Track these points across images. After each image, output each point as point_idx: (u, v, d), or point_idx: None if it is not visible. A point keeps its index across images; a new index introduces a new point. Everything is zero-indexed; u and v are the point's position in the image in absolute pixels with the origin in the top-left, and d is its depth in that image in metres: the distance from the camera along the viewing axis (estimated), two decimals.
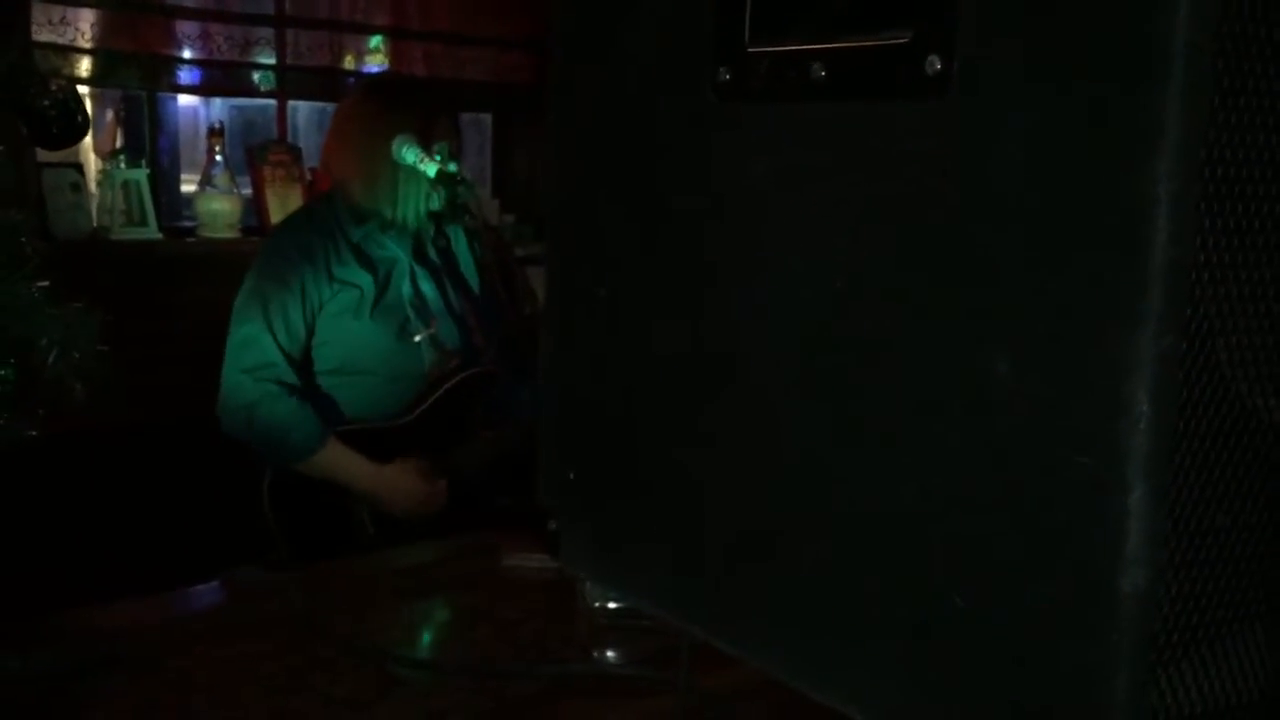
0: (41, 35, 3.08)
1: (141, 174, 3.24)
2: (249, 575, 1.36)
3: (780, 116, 0.65)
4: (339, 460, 2.19)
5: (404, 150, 2.24)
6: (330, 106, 3.36)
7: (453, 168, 2.20)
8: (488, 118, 4.36)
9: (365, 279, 2.26)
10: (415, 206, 2.27)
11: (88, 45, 3.19)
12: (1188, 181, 0.47)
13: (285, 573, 1.41)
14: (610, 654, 1.22)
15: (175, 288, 3.08)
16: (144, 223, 3.24)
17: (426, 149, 2.20)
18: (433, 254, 2.39)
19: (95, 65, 3.19)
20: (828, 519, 0.61)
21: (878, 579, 0.59)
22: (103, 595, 1.36)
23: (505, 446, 2.33)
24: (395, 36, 3.99)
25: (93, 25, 3.19)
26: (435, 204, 2.28)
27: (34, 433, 1.07)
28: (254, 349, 2.18)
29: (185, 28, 3.48)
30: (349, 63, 3.96)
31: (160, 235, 3.28)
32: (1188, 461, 0.50)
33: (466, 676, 1.18)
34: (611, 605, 1.25)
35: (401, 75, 3.74)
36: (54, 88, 1.13)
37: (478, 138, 4.40)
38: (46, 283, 1.02)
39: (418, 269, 2.34)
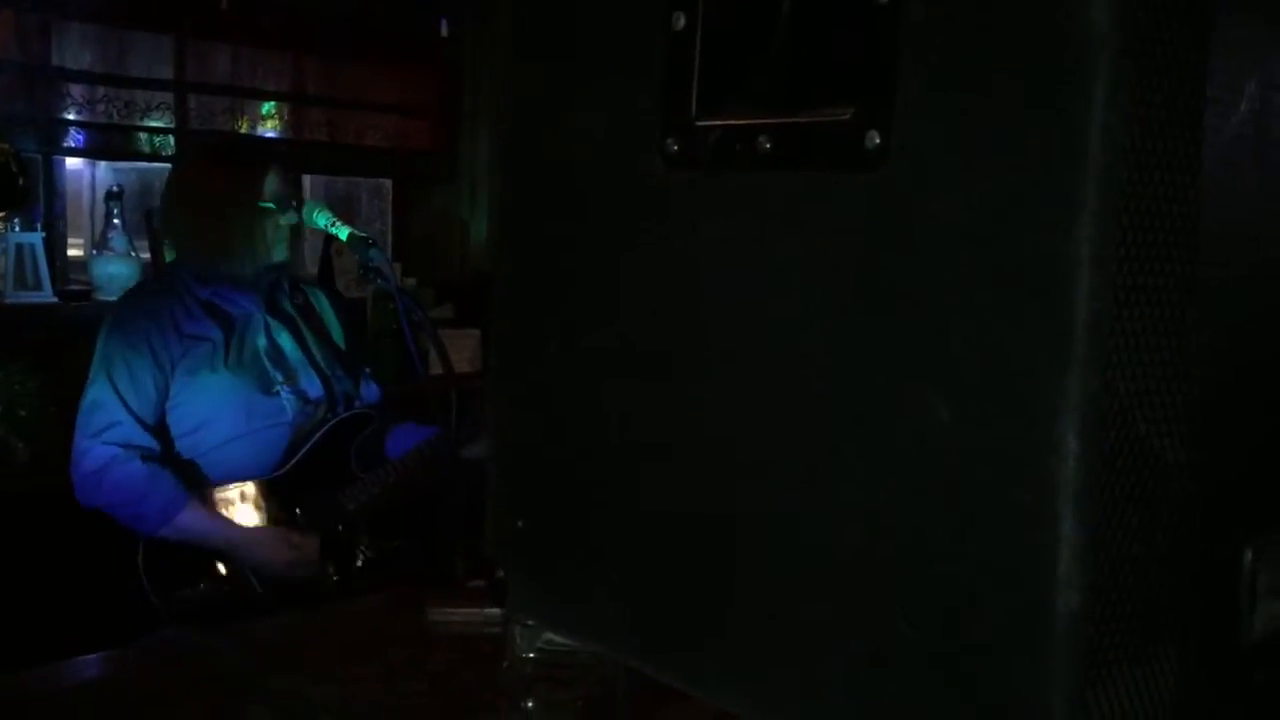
0: None
1: (37, 237, 3.20)
2: (172, 636, 1.35)
3: (726, 185, 0.70)
4: (201, 524, 2.16)
5: (315, 214, 2.28)
6: None
7: (350, 231, 2.24)
8: (388, 183, 4.38)
9: (216, 332, 2.26)
10: (254, 261, 2.28)
11: None
12: (1106, 245, 0.53)
13: (209, 633, 1.41)
14: (540, 702, 1.24)
15: (75, 352, 3.03)
16: (38, 286, 3.19)
17: (264, 200, 2.25)
18: (288, 307, 2.41)
19: None
20: (778, 555, 0.66)
21: (827, 610, 0.63)
22: (20, 661, 1.34)
23: (384, 488, 2.34)
24: (296, 102, 4.00)
25: None
26: (280, 256, 2.31)
27: None
28: (100, 412, 2.16)
29: (81, 91, 3.45)
30: (244, 127, 3.96)
31: (55, 299, 3.23)
32: (1108, 495, 0.56)
33: None
34: (536, 654, 1.27)
35: (232, 134, 3.78)
36: None
37: (379, 202, 4.42)
38: None
39: (272, 322, 2.35)
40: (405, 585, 1.67)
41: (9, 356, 0.96)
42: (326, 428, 2.33)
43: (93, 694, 1.29)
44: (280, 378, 2.30)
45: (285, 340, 2.35)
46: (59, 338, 3.06)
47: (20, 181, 1.10)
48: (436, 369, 2.22)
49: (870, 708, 0.61)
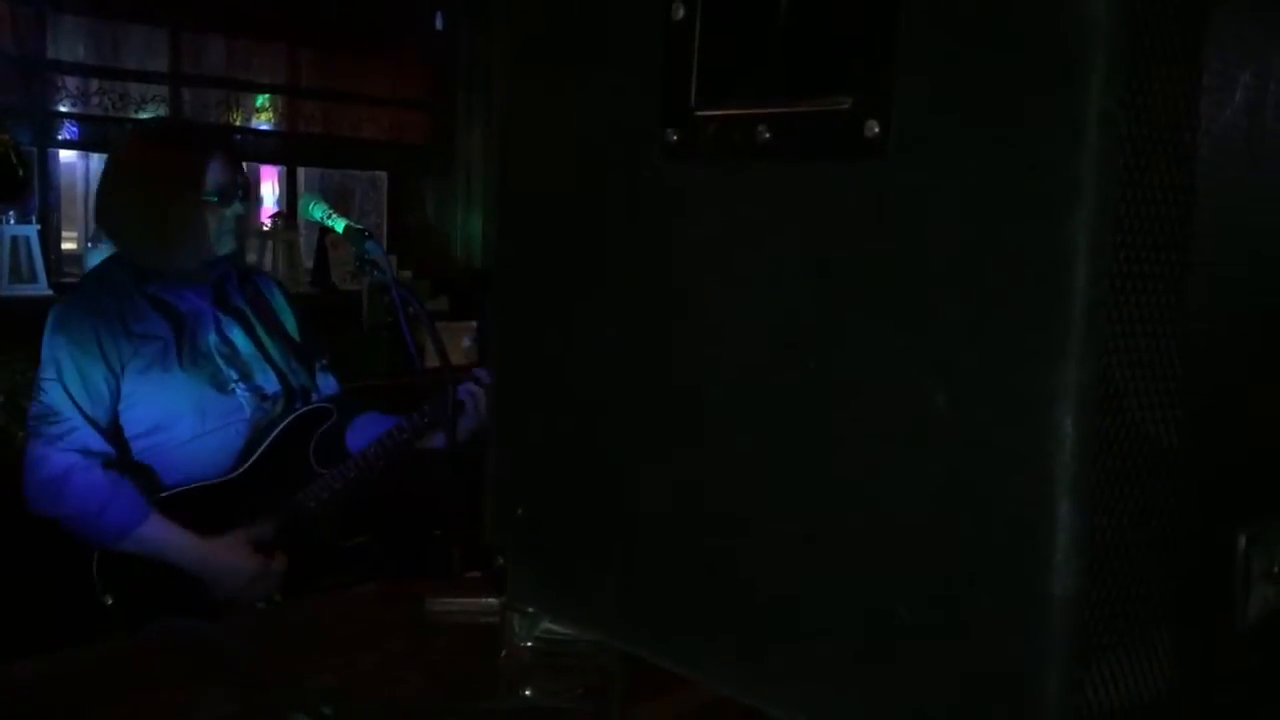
0: None
1: (32, 230, 3.20)
2: (172, 625, 1.36)
3: (725, 175, 0.71)
4: (162, 535, 2.08)
5: (311, 207, 2.26)
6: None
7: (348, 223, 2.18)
8: (384, 175, 4.39)
9: (165, 330, 2.17)
10: (196, 253, 2.20)
11: None
12: (1102, 233, 0.54)
13: (209, 623, 1.41)
14: (539, 691, 1.25)
15: None
16: (33, 279, 3.19)
17: (207, 191, 2.16)
18: (238, 301, 2.32)
19: None
20: (778, 540, 0.66)
21: (827, 595, 0.64)
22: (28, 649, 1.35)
23: (345, 483, 2.28)
24: (290, 95, 4.00)
25: None
26: (225, 248, 2.22)
27: None
28: (53, 417, 2.07)
29: (75, 83, 3.45)
30: (238, 119, 3.96)
31: (50, 291, 3.23)
32: (1103, 479, 0.57)
33: None
34: (534, 643, 1.28)
35: (175, 119, 3.61)
36: None
37: (375, 195, 4.43)
38: None
39: (223, 317, 2.26)
40: (381, 580, 1.66)
41: (6, 348, 0.96)
42: (284, 424, 2.25)
43: (92, 683, 1.30)
44: (235, 375, 2.22)
45: (238, 335, 2.27)
46: None
47: (20, 173, 1.10)
48: (433, 361, 2.21)
49: (868, 690, 0.62)
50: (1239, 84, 0.61)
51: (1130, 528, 0.58)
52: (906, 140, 0.60)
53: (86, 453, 2.07)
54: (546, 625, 1.20)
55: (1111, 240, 0.54)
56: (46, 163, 3.49)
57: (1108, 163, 0.53)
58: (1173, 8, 0.56)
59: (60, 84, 3.41)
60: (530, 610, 0.89)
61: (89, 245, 3.44)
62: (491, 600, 1.45)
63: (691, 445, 0.72)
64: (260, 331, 2.32)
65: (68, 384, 2.08)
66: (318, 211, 2.22)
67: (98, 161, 3.89)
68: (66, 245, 3.69)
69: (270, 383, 2.28)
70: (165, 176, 2.18)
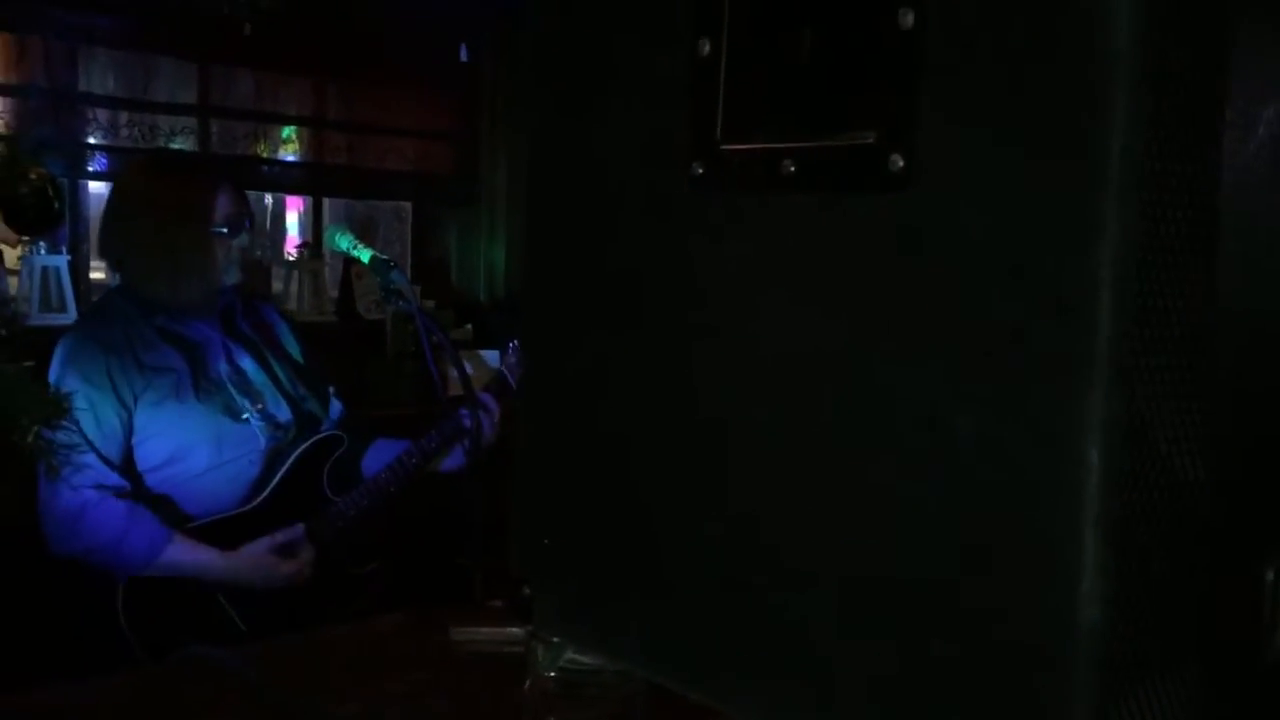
0: None
1: (62, 260, 3.23)
2: (199, 653, 1.36)
3: (751, 208, 0.71)
4: (187, 557, 2.09)
5: (337, 237, 2.28)
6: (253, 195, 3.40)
7: (371, 254, 2.20)
8: (408, 206, 4.42)
9: (178, 360, 2.17)
10: (203, 285, 2.21)
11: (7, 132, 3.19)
12: (1127, 265, 0.54)
13: (235, 651, 1.42)
14: None
15: None
16: (62, 308, 3.22)
17: (216, 223, 2.18)
18: (246, 329, 2.32)
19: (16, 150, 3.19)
20: (806, 573, 0.67)
21: (854, 625, 0.64)
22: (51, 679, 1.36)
23: (359, 510, 2.29)
24: (317, 126, 4.04)
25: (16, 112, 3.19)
26: (232, 278, 2.24)
27: None
28: (64, 454, 2.06)
29: (105, 115, 3.50)
30: (265, 150, 4.00)
31: None
32: (1129, 511, 0.57)
33: None
34: (557, 673, 1.28)
35: (174, 152, 3.62)
36: (32, 175, 1.16)
37: (398, 225, 4.45)
38: (31, 363, 1.04)
39: (232, 346, 2.27)
40: (406, 609, 1.66)
41: (36, 375, 0.98)
42: (297, 454, 2.25)
43: (117, 711, 1.30)
44: (248, 403, 2.22)
45: (248, 364, 2.27)
46: None
47: (56, 205, 1.12)
48: (456, 390, 2.22)
49: None
50: (1261, 120, 0.62)
51: (1156, 560, 0.58)
52: (931, 173, 0.61)
53: (100, 488, 2.06)
54: (570, 655, 1.20)
55: (1135, 273, 0.55)
56: (77, 194, 3.54)
57: (1130, 195, 0.54)
58: (1196, 43, 0.56)
59: (91, 116, 3.45)
60: (555, 640, 0.89)
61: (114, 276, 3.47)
62: (516, 630, 1.45)
63: (717, 476, 0.72)
64: (269, 358, 2.32)
65: (79, 419, 2.01)
66: (344, 242, 2.25)
67: None
68: (95, 275, 3.73)
69: (282, 411, 2.28)
70: (175, 208, 2.18)
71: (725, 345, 0.72)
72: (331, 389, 2.46)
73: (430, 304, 4.10)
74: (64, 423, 1.96)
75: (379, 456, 2.39)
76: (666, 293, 0.76)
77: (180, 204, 2.19)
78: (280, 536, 2.19)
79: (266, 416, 2.25)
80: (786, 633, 0.68)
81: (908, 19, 0.61)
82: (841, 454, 0.65)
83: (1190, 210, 0.56)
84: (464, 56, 4.27)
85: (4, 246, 3.42)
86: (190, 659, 1.35)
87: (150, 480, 2.14)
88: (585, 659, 1.00)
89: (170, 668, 1.38)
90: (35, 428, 1.03)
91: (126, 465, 2.12)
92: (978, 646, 0.58)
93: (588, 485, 0.82)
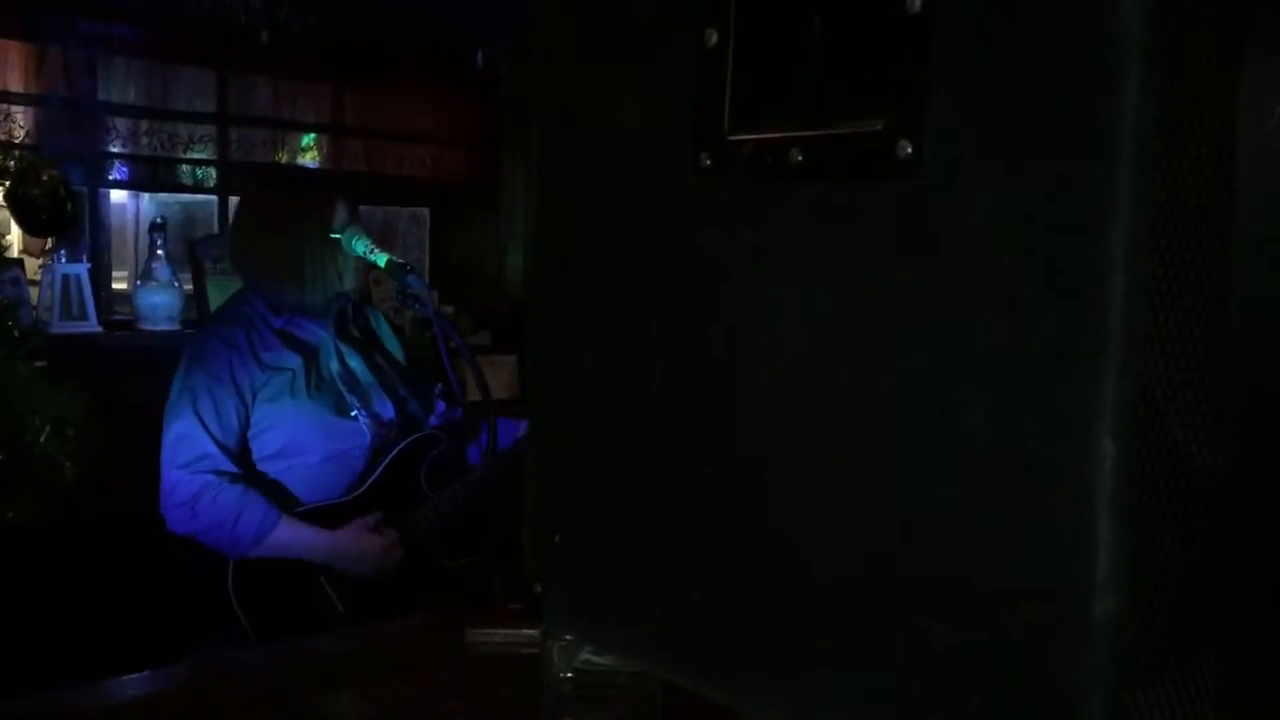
0: None
1: (83, 269, 3.25)
2: (217, 654, 1.36)
3: (759, 198, 0.71)
4: (293, 537, 2.22)
5: (354, 241, 2.30)
6: None
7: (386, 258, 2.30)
8: (426, 211, 4.43)
9: (294, 360, 2.32)
10: (325, 289, 2.34)
11: (29, 141, 3.21)
12: (1139, 249, 0.53)
13: (253, 651, 1.42)
14: None
15: (119, 381, 3.08)
16: (84, 316, 3.24)
17: (334, 233, 2.31)
18: (355, 331, 2.47)
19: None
20: (818, 563, 0.66)
21: (867, 618, 0.63)
22: (63, 680, 1.36)
23: (454, 506, 2.39)
24: (335, 133, 4.05)
25: (36, 122, 3.21)
26: (349, 284, 2.38)
27: (10, 515, 1.08)
28: (187, 444, 2.20)
29: (125, 124, 3.51)
30: (283, 158, 4.02)
31: (100, 329, 3.28)
32: (1144, 499, 0.56)
33: None
34: (573, 674, 1.27)
35: (294, 167, 3.82)
36: (45, 178, 1.16)
37: (416, 230, 4.46)
38: (44, 362, 1.04)
39: (343, 347, 2.41)
40: (448, 606, 1.67)
41: (55, 380, 0.98)
42: (399, 449, 2.38)
43: (136, 712, 1.30)
44: (356, 402, 2.36)
45: (356, 364, 2.41)
46: (103, 367, 3.11)
47: (69, 207, 1.12)
48: (474, 395, 2.24)
49: (908, 713, 0.61)
50: (1275, 108, 0.61)
51: (1172, 549, 0.57)
52: (939, 159, 0.60)
53: (218, 473, 2.20)
54: (586, 656, 1.19)
55: (1148, 257, 0.54)
56: (98, 202, 3.56)
57: (1142, 178, 0.53)
58: (1208, 22, 0.55)
59: (111, 125, 3.47)
60: (568, 639, 0.89)
61: (138, 283, 3.49)
62: (533, 632, 1.45)
63: (730, 471, 0.72)
64: (377, 360, 2.46)
65: (201, 412, 2.21)
66: (360, 246, 2.29)
67: (148, 201, 3.95)
68: (117, 284, 3.75)
69: (387, 409, 2.41)
70: (300, 220, 2.33)
71: (734, 338, 0.71)
72: (438, 388, 2.59)
73: (448, 309, 4.11)
74: (183, 415, 2.08)
75: (505, 433, 2.48)
76: (674, 287, 0.76)
77: (304, 216, 2.34)
78: (371, 519, 2.30)
79: (372, 414, 2.37)
80: (800, 626, 0.67)
81: (915, 3, 0.61)
82: (853, 444, 0.64)
83: (1204, 194, 0.55)
84: (480, 62, 4.27)
85: (26, 256, 3.44)
86: (205, 660, 1.35)
87: (264, 469, 2.29)
88: (601, 660, 1.00)
89: (185, 669, 1.38)
90: (47, 427, 1.03)
91: (243, 454, 2.27)
92: (994, 638, 0.58)
93: (598, 481, 0.82)
